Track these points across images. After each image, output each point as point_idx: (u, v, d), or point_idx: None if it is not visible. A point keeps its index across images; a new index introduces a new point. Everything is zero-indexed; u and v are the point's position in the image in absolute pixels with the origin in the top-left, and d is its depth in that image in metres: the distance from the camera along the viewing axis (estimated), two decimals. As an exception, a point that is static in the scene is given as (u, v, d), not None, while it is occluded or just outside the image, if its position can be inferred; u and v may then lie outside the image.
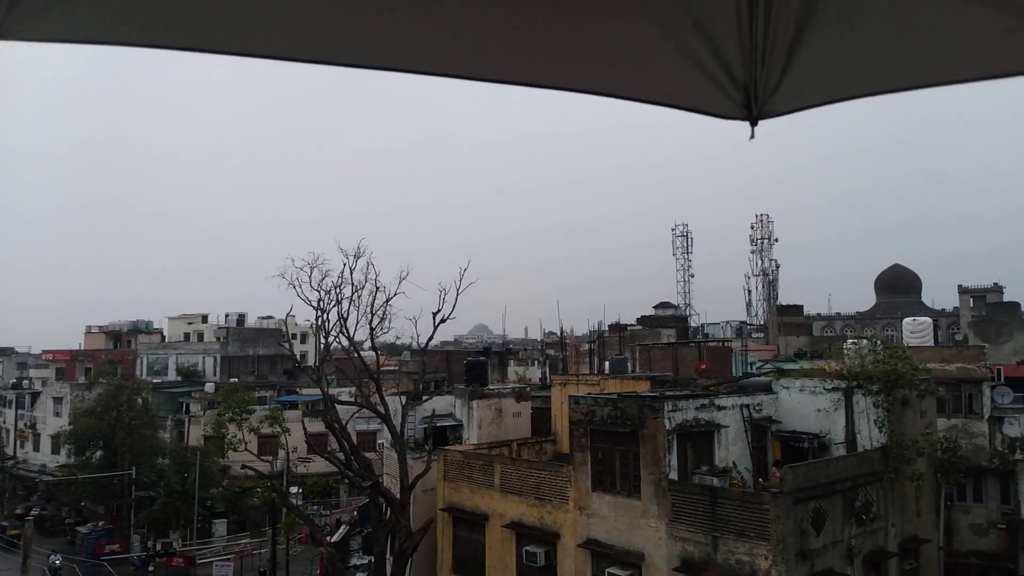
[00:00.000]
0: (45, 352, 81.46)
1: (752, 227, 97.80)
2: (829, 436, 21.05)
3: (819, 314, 77.38)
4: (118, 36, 2.04)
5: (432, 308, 25.79)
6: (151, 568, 41.74)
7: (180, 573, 41.58)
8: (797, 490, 16.98)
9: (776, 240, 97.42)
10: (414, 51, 2.17)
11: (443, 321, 25.82)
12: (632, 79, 2.35)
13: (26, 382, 74.29)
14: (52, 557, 35.87)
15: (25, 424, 63.50)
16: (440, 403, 30.63)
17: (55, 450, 56.97)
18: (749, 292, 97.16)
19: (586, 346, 50.85)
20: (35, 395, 65.16)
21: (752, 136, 2.32)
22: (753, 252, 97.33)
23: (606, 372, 33.48)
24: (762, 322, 78.11)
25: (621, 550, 18.99)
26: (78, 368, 70.22)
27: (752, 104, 2.28)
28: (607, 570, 18.86)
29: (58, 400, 60.04)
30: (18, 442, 64.12)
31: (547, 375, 44.71)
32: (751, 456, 20.57)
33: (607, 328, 53.85)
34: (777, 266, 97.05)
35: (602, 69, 2.30)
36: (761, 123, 2.33)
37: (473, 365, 35.32)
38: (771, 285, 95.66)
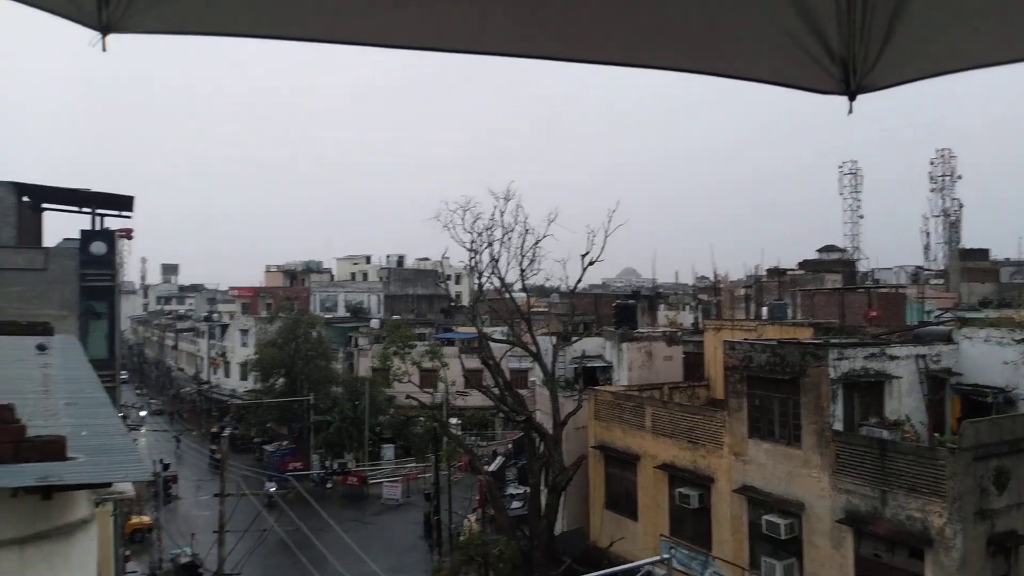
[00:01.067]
0: (232, 288, 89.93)
1: (932, 163, 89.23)
2: (1016, 391, 19.28)
3: (1008, 259, 69.90)
4: (228, 28, 2.20)
5: (581, 251, 25.95)
6: (329, 485, 45.80)
7: (354, 491, 45.43)
8: (978, 446, 15.77)
9: (959, 177, 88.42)
10: (525, 36, 2.26)
11: (592, 263, 25.88)
12: (732, 58, 2.39)
13: (216, 315, 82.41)
14: (267, 485, 38.17)
15: (217, 353, 70.89)
16: (589, 345, 30.92)
17: (243, 376, 63.31)
18: (927, 235, 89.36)
19: (741, 291, 49.12)
20: (224, 327, 72.33)
21: (850, 111, 2.32)
22: (933, 191, 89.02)
23: (763, 318, 32.28)
24: (942, 267, 71.83)
25: (779, 498, 18.60)
26: (260, 303, 76.87)
27: (850, 79, 2.28)
28: (764, 517, 18.56)
29: (244, 332, 66.36)
30: (212, 368, 71.82)
31: (699, 320, 43.79)
32: (927, 409, 19.28)
33: (765, 273, 51.65)
34: (960, 206, 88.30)
35: (704, 49, 2.36)
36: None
37: (623, 308, 35.24)
38: (953, 227, 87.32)
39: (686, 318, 56.81)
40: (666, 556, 16.21)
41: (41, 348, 8.38)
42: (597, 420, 25.01)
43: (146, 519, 35.67)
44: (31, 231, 23.17)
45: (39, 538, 3.53)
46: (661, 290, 67.57)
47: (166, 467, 42.53)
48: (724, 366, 20.91)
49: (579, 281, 26.37)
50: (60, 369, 7.07)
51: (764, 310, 35.09)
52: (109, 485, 4.09)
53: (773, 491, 18.82)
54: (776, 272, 50.02)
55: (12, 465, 3.31)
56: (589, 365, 29.33)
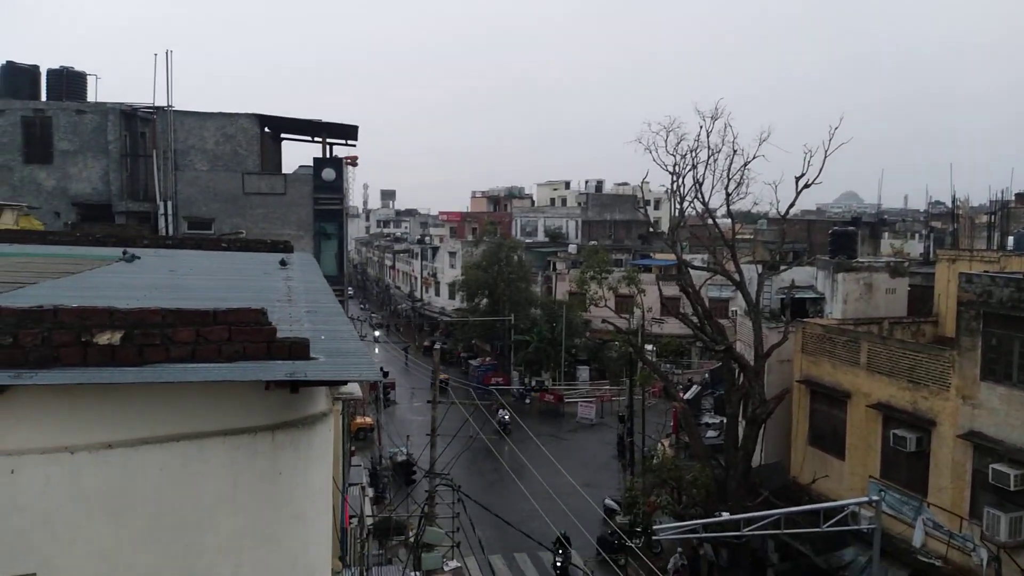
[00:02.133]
0: (441, 213, 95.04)
1: None
2: None
3: None
4: None
5: (795, 172, 24.22)
6: (527, 400, 48.11)
7: (550, 408, 47.40)
8: None
9: None
10: None
11: (807, 186, 24.11)
12: None
13: (428, 238, 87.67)
14: (500, 412, 38.39)
15: (428, 273, 75.86)
16: (799, 274, 29.12)
17: (451, 296, 67.39)
18: None
19: (983, 218, 43.57)
20: (435, 249, 76.96)
21: None
22: None
23: (1008, 249, 28.52)
24: None
25: (1012, 447, 16.79)
26: (466, 227, 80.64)
27: None
28: (991, 466, 16.88)
29: (452, 255, 70.28)
30: (424, 287, 77.11)
31: (930, 250, 39.61)
32: None
33: (1013, 198, 45.30)
34: None
35: None
36: None
37: (840, 235, 32.64)
38: None
39: (914, 248, 51.69)
40: (875, 498, 15.36)
41: (283, 264, 9.47)
42: (805, 354, 23.79)
43: (369, 420, 39.73)
44: (272, 159, 25.93)
45: (287, 426, 4.10)
46: (886, 216, 61.73)
47: (385, 375, 46.81)
48: (958, 301, 18.88)
49: (791, 206, 24.69)
50: (300, 282, 7.96)
51: (1010, 240, 30.95)
52: (345, 383, 4.62)
53: (1005, 439, 17.00)
54: (1028, 197, 43.69)
55: (265, 362, 3.84)
56: (798, 296, 27.73)
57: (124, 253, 9.10)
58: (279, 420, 4.04)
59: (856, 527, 18.32)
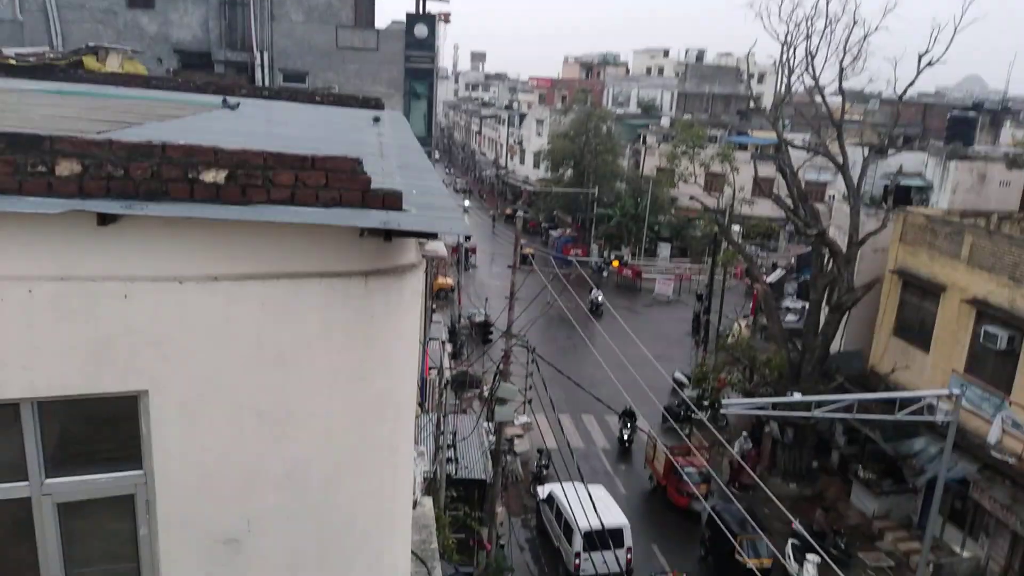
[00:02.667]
0: (531, 78, 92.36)
1: None
2: None
3: None
4: None
5: (919, 49, 22.22)
6: (604, 274, 48.30)
7: (627, 282, 47.55)
8: None
9: None
10: None
11: (930, 64, 22.21)
12: None
13: (516, 104, 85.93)
14: (594, 292, 38.38)
15: (514, 140, 74.88)
16: (908, 160, 27.34)
17: (535, 165, 66.70)
18: None
19: None
20: (522, 116, 75.51)
21: None
22: None
23: None
24: None
25: (1116, 355, 15.99)
26: (556, 95, 78.42)
27: None
28: (1090, 372, 16.20)
29: (539, 122, 68.85)
30: (508, 155, 76.42)
31: (1058, 141, 36.33)
32: None
33: None
34: None
35: None
36: None
37: (958, 121, 30.23)
38: None
39: (1039, 138, 47.49)
40: (956, 391, 15.05)
41: (376, 120, 9.51)
42: (903, 243, 22.77)
43: (450, 281, 40.89)
44: (365, 12, 25.41)
45: (380, 273, 4.25)
46: (1011, 104, 56.45)
47: (468, 238, 47.58)
48: (1079, 197, 17.48)
49: (910, 85, 22.82)
50: (391, 138, 8.01)
51: None
52: (435, 235, 4.72)
53: (1111, 347, 16.16)
54: None
55: (360, 209, 3.94)
56: (903, 183, 26.20)
57: (224, 101, 9.30)
58: (372, 267, 4.20)
59: (931, 418, 18.11)
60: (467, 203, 62.61)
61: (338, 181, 3.88)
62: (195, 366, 3.99)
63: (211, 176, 3.71)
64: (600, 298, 38.26)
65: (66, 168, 3.51)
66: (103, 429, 4.14)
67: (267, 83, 21.99)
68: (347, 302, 4.14)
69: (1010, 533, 18.52)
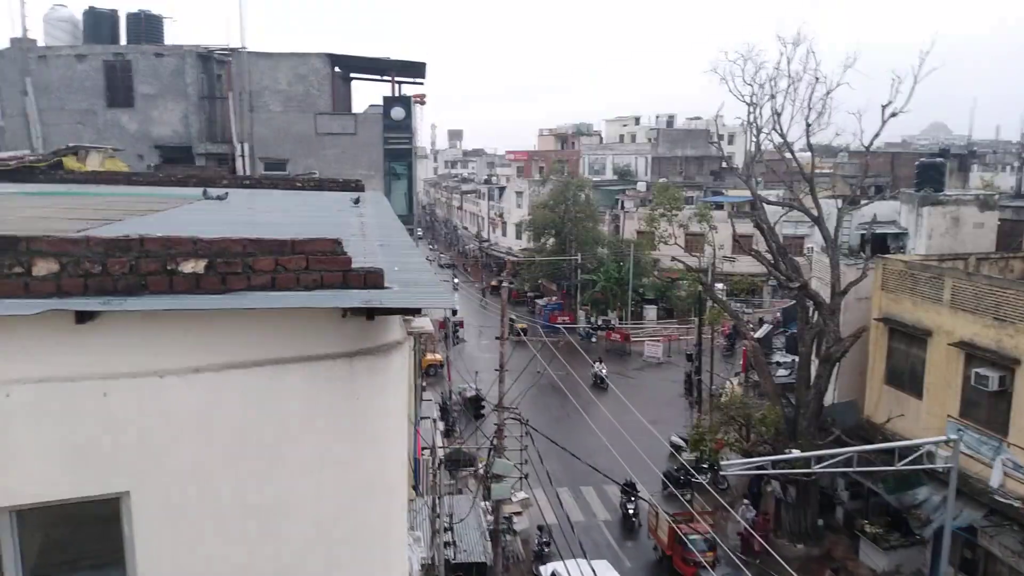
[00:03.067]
0: (508, 152, 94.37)
1: None
2: None
3: None
4: None
5: (882, 101, 22.96)
6: (593, 340, 48.21)
7: (616, 347, 47.44)
8: None
9: None
10: None
11: (894, 115, 22.87)
12: None
13: (494, 178, 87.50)
14: (598, 366, 37.62)
15: (495, 213, 75.93)
16: (882, 209, 27.90)
17: (518, 235, 67.44)
18: None
19: (1087, 147, 40.64)
20: (501, 189, 76.79)
21: None
22: None
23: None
24: None
25: (1107, 389, 16.00)
26: (533, 167, 79.93)
27: None
28: (1083, 408, 16.18)
29: (519, 194, 70.00)
30: (490, 227, 77.34)
31: (1023, 182, 37.29)
32: None
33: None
34: None
35: None
36: None
37: (927, 167, 30.98)
38: None
39: (1006, 180, 48.79)
40: (953, 437, 14.95)
41: (356, 201, 9.63)
42: (885, 291, 22.99)
43: (439, 357, 40.63)
44: (342, 99, 26.10)
45: (364, 353, 4.22)
46: (976, 148, 58.24)
47: (455, 313, 47.55)
48: (1051, 236, 17.82)
49: (876, 136, 23.44)
50: (372, 218, 8.09)
51: (1116, 171, 28.86)
52: (419, 311, 4.71)
53: (1101, 382, 16.19)
54: None
55: (341, 290, 3.94)
56: (879, 232, 26.64)
57: (204, 192, 9.40)
58: (356, 347, 4.16)
59: (932, 466, 17.93)
60: (456, 280, 62.87)
61: (319, 263, 3.88)
62: (177, 462, 3.88)
63: (190, 266, 3.70)
64: (604, 371, 37.93)
65: (43, 268, 3.49)
66: (85, 533, 3.99)
67: (248, 172, 22.30)
68: (331, 384, 4.08)
69: (1024, 579, 18.09)
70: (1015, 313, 18.40)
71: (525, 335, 29.75)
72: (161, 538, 3.89)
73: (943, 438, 16.13)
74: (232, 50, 23.67)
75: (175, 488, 3.87)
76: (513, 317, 37.42)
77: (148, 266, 3.65)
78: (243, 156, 23.07)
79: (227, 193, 9.98)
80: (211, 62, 24.70)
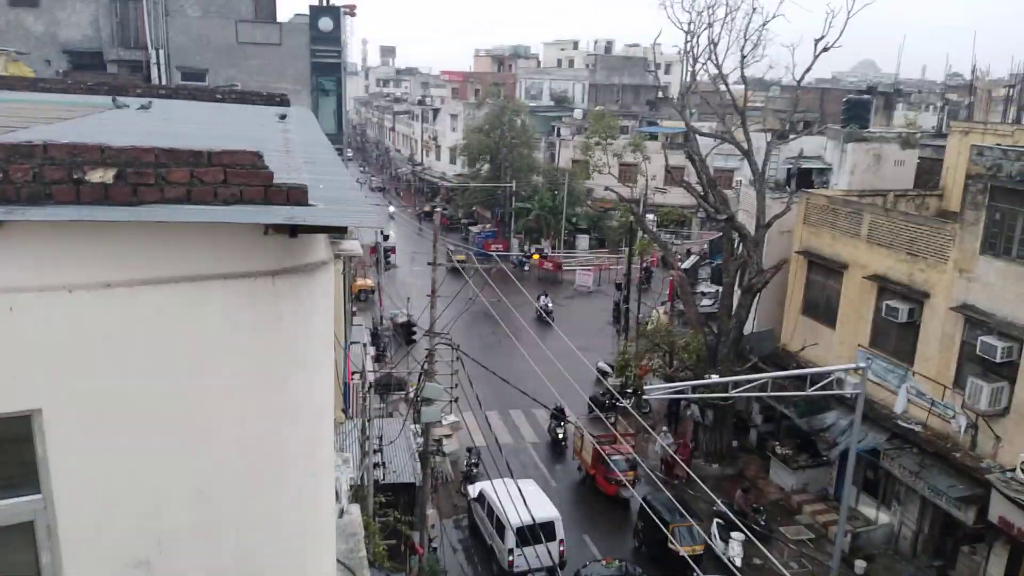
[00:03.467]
0: (443, 72, 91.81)
1: None
2: None
3: None
4: None
5: (815, 35, 23.18)
6: (526, 268, 48.55)
7: (549, 275, 47.94)
8: None
9: None
10: None
11: (826, 50, 23.19)
12: None
13: (429, 99, 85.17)
14: (544, 299, 38.57)
15: (429, 136, 74.29)
16: (808, 144, 28.57)
17: (452, 160, 66.39)
18: None
19: (1002, 91, 42.22)
20: (436, 111, 74.92)
21: None
22: None
23: (1025, 123, 27.85)
24: None
25: (1003, 320, 17.11)
26: (468, 89, 78.14)
27: None
28: (981, 338, 17.29)
29: (454, 117, 68.50)
30: (424, 151, 75.79)
31: (944, 122, 38.67)
32: None
33: (1037, 70, 43.61)
34: None
35: None
36: None
37: (854, 104, 31.75)
38: None
39: (928, 120, 50.48)
40: (862, 365, 15.81)
41: (281, 117, 9.19)
42: (806, 224, 23.76)
43: (369, 282, 40.25)
44: (266, 6, 24.65)
45: (287, 272, 4.07)
46: (902, 87, 59.81)
47: (386, 238, 46.94)
48: (966, 174, 18.62)
49: (808, 70, 23.80)
50: (298, 135, 7.74)
51: (1027, 114, 30.17)
52: (345, 229, 4.57)
53: (997, 312, 17.30)
54: (1051, 70, 42.08)
55: (263, 205, 3.76)
56: (805, 166, 27.33)
57: (115, 101, 8.80)
58: (279, 266, 4.01)
59: (840, 392, 18.99)
60: (392, 208, 61.62)
61: (238, 177, 3.68)
62: (92, 380, 3.72)
63: (98, 176, 3.46)
64: (550, 304, 38.21)
65: (-65, 173, 3.21)
66: (-8, 453, 3.82)
67: (164, 82, 21.06)
68: (253, 304, 3.94)
69: (919, 499, 19.58)
70: (927, 249, 19.33)
71: (464, 268, 29.70)
72: (76, 457, 3.76)
73: (852, 366, 17.04)
74: (146, -52, 21.94)
75: (89, 406, 3.72)
76: (451, 248, 37.14)
77: (53, 174, 3.40)
78: (158, 64, 21.72)
79: (151, 102, 9.39)
80: (123, -40, 22.88)
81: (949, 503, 18.05)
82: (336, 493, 7.37)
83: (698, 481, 15.34)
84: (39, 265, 3.52)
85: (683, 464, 17.73)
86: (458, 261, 31.47)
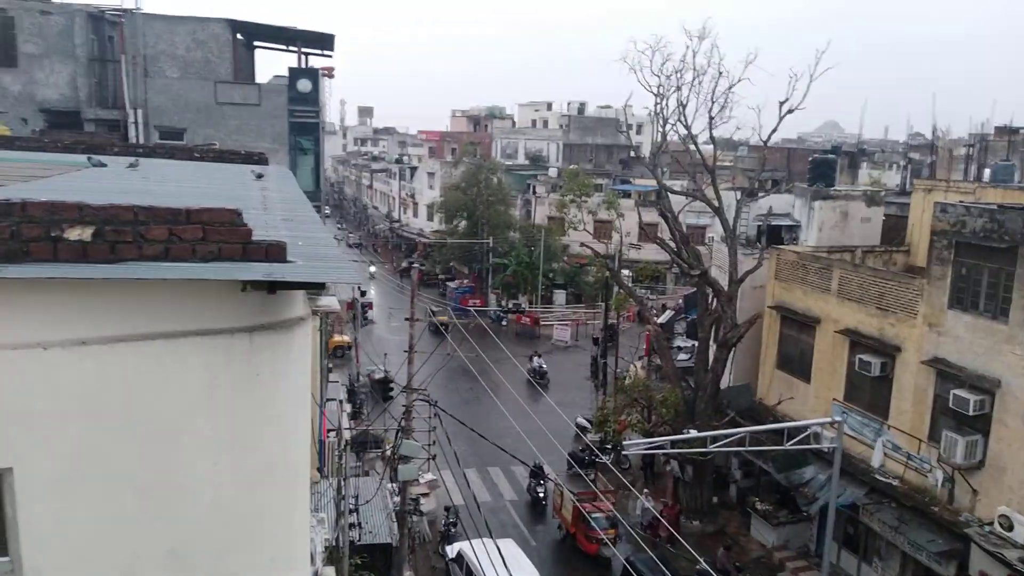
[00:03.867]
0: (420, 132, 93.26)
1: None
2: None
3: None
4: None
5: (779, 97, 24.00)
6: (504, 323, 48.54)
7: (526, 330, 47.94)
8: None
9: None
10: None
11: (791, 111, 23.96)
12: None
13: (406, 158, 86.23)
14: (536, 360, 38.23)
15: (406, 193, 74.95)
16: (777, 202, 29.28)
17: (429, 217, 66.84)
18: None
19: (962, 150, 43.77)
20: (413, 170, 75.81)
21: None
22: None
23: (985, 181, 28.79)
24: None
25: (973, 374, 17.36)
26: (445, 148, 79.33)
27: None
28: (953, 391, 17.49)
29: (431, 175, 69.32)
30: (401, 208, 76.33)
31: (908, 180, 39.88)
32: None
33: (993, 131, 45.42)
34: None
35: None
36: None
37: (819, 163, 32.61)
38: None
39: (892, 178, 52.03)
40: (838, 419, 15.90)
41: (259, 176, 9.28)
42: (778, 280, 24.14)
43: (346, 338, 39.94)
44: (245, 68, 25.05)
45: (265, 328, 4.09)
46: (866, 146, 61.70)
47: (363, 294, 46.79)
48: (931, 230, 19.13)
49: (773, 131, 24.58)
50: (276, 193, 7.82)
51: (987, 172, 31.22)
52: (323, 287, 4.60)
53: (967, 366, 17.56)
54: (1006, 131, 43.85)
55: (241, 262, 3.80)
56: (774, 224, 27.93)
57: (90, 159, 8.85)
58: (256, 322, 4.03)
59: (817, 447, 19.02)
60: (373, 268, 61.37)
61: (217, 234, 3.73)
62: (64, 439, 3.67)
63: (76, 233, 3.49)
64: (544, 366, 37.75)
65: (-90, 231, 3.21)
66: (-43, 516, 3.72)
67: (142, 141, 21.16)
68: (230, 361, 3.94)
69: (900, 554, 19.47)
70: (896, 303, 19.70)
71: (447, 331, 29.67)
72: (47, 517, 3.68)
73: (828, 419, 17.14)
74: (125, 11, 22.34)
75: (62, 465, 3.66)
76: (434, 309, 37.06)
77: (31, 232, 3.42)
78: (136, 123, 21.86)
79: (138, 161, 9.44)
80: (103, 23, 23.23)
81: (930, 558, 17.97)
82: (311, 555, 7.20)
83: (683, 542, 15.15)
84: (13, 322, 3.51)
85: (669, 527, 17.58)
86: (440, 323, 31.35)
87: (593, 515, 20.71)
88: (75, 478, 3.71)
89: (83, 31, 22.14)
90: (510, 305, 50.90)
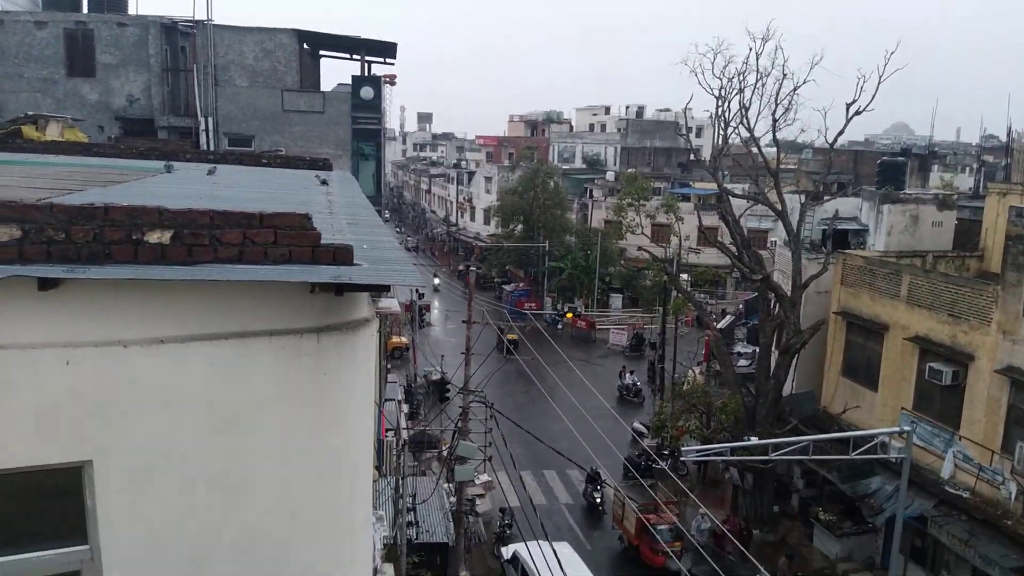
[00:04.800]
0: (478, 137, 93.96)
1: None
2: None
3: None
4: None
5: (846, 99, 23.35)
6: (559, 327, 48.48)
7: (582, 334, 47.78)
8: None
9: None
10: None
11: (858, 113, 23.28)
12: None
13: (464, 163, 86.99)
14: (628, 377, 37.53)
15: (464, 198, 75.61)
16: (843, 205, 28.46)
17: (486, 221, 67.30)
18: None
19: (1041, 151, 41.82)
20: (471, 174, 76.45)
21: None
22: None
23: (1066, 183, 27.45)
24: None
25: (1052, 384, 16.59)
26: (502, 152, 79.73)
27: None
28: (1029, 402, 16.76)
29: (488, 179, 69.78)
30: (459, 212, 77.02)
31: (981, 184, 38.29)
32: None
33: (1075, 130, 43.23)
34: None
35: None
36: None
37: (888, 166, 31.65)
38: None
39: (964, 181, 50.10)
40: (907, 428, 15.38)
41: (323, 181, 9.53)
42: (844, 285, 23.48)
43: (404, 340, 40.51)
44: (310, 76, 25.69)
45: (332, 329, 4.19)
46: (937, 148, 59.49)
47: (421, 296, 47.40)
48: (1006, 235, 18.35)
49: (840, 133, 23.90)
50: (340, 197, 8.02)
51: (1067, 174, 29.74)
52: (388, 290, 4.70)
53: (1046, 377, 16.78)
54: (1091, 130, 41.65)
55: (310, 265, 3.91)
56: (840, 227, 27.18)
57: (167, 166, 9.22)
58: (324, 323, 4.14)
59: (884, 456, 18.41)
60: (437, 281, 61.18)
61: (287, 238, 3.85)
62: (141, 433, 3.83)
63: (156, 237, 3.65)
64: (638, 383, 36.56)
65: (5, 233, 3.41)
66: (46, 503, 3.93)
67: (212, 148, 21.91)
68: (299, 360, 4.06)
69: (970, 568, 18.72)
70: (969, 310, 18.95)
71: (516, 349, 29.54)
72: (123, 509, 3.85)
73: (897, 429, 16.57)
74: (197, 22, 23.17)
75: (138, 459, 3.83)
76: (501, 327, 37.14)
77: (113, 235, 3.59)
78: (207, 131, 22.65)
79: (215, 168, 9.81)
80: (175, 33, 24.14)
81: (1003, 573, 17.20)
82: (371, 550, 7.33)
83: (748, 555, 14.86)
84: (96, 321, 3.69)
85: (736, 542, 17.28)
86: (509, 340, 30.99)
87: (658, 527, 20.42)
88: (151, 471, 3.88)
89: (157, 42, 23.05)
90: (566, 308, 50.81)
